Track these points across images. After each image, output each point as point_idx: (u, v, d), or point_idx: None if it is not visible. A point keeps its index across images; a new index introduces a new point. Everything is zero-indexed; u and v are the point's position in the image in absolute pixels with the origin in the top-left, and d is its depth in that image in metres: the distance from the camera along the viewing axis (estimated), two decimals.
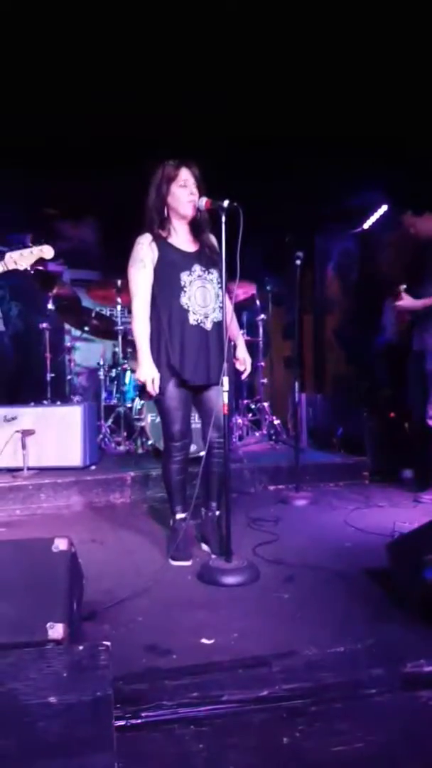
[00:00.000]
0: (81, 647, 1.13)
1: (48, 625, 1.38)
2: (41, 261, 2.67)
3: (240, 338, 2.71)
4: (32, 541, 1.58)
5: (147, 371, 2.40)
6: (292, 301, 3.61)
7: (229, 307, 2.57)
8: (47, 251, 2.62)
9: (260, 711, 1.41)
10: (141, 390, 2.53)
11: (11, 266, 2.64)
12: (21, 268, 2.66)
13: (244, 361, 2.64)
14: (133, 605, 1.99)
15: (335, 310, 5.60)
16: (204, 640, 1.71)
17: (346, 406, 4.57)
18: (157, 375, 2.40)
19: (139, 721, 1.36)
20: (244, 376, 2.69)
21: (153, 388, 2.40)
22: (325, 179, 4.57)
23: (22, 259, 2.64)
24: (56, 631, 1.38)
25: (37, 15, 3.23)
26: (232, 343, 2.69)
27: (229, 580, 2.15)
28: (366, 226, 5.31)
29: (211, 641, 1.71)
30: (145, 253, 2.44)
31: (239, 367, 2.65)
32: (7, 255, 2.64)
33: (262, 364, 4.97)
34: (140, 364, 2.43)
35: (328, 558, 2.42)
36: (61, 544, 1.50)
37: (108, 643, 1.12)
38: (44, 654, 1.12)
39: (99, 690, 1.06)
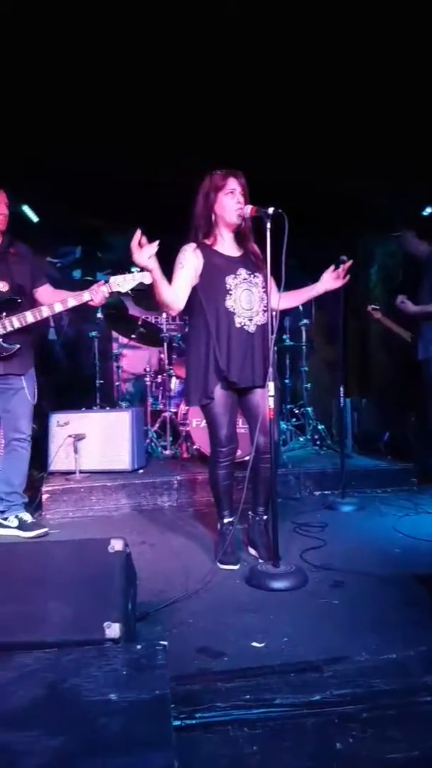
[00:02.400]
0: (139, 646, 1.17)
1: (105, 624, 1.43)
2: (141, 285, 2.81)
3: (296, 293, 2.68)
4: (89, 542, 1.63)
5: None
6: (336, 305, 3.59)
7: (284, 294, 2.56)
8: (147, 277, 2.72)
9: (312, 715, 1.41)
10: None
11: (115, 288, 2.80)
12: (123, 290, 2.83)
13: (325, 280, 2.60)
14: (184, 607, 2.03)
15: (379, 313, 5.52)
16: (255, 644, 1.74)
17: (392, 411, 4.50)
18: (141, 258, 2.22)
19: (193, 721, 1.39)
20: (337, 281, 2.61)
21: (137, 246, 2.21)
22: (369, 180, 4.52)
23: (124, 282, 2.79)
24: (113, 630, 1.43)
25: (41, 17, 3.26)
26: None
27: (278, 584, 2.16)
28: None
29: (262, 645, 1.73)
30: (187, 258, 2.49)
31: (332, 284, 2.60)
32: (111, 279, 2.81)
33: (306, 368, 4.96)
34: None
35: (377, 564, 2.40)
36: (116, 545, 1.55)
37: (165, 643, 1.16)
38: (104, 652, 1.17)
39: (158, 688, 1.10)
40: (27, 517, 3.01)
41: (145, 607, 1.94)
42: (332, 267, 2.63)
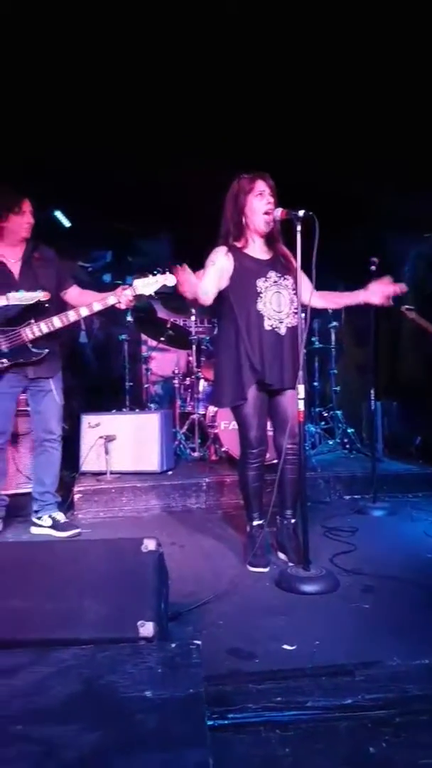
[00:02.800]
0: (173, 645, 1.19)
1: (139, 623, 1.45)
2: (163, 287, 2.88)
3: (340, 295, 2.66)
4: (123, 541, 1.66)
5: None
6: (366, 308, 3.56)
7: (326, 293, 2.58)
8: (170, 279, 2.81)
9: (344, 719, 1.41)
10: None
11: (139, 291, 2.86)
12: (146, 293, 2.88)
13: (374, 291, 2.50)
14: (214, 608, 2.04)
15: (414, 313, 5.44)
16: (286, 646, 1.74)
17: (424, 414, 4.43)
18: (186, 276, 2.35)
19: (225, 722, 1.40)
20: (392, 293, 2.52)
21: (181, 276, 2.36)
22: (399, 180, 4.48)
23: (148, 285, 2.86)
24: (147, 629, 1.45)
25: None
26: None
27: (308, 588, 2.15)
28: None
29: (293, 647, 1.73)
30: (218, 258, 2.52)
31: (378, 300, 2.49)
32: (135, 281, 2.88)
33: (335, 371, 4.92)
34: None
35: (409, 569, 2.38)
36: (150, 545, 1.57)
37: (199, 642, 1.17)
38: (139, 650, 1.19)
39: (192, 687, 1.11)
40: (60, 517, 3.06)
41: (175, 608, 1.96)
42: (386, 280, 2.51)
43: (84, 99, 3.96)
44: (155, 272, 2.88)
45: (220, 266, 2.51)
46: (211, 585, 2.25)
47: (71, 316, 2.87)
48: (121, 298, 2.85)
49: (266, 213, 2.48)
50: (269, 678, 1.56)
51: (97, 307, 2.88)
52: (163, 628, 1.59)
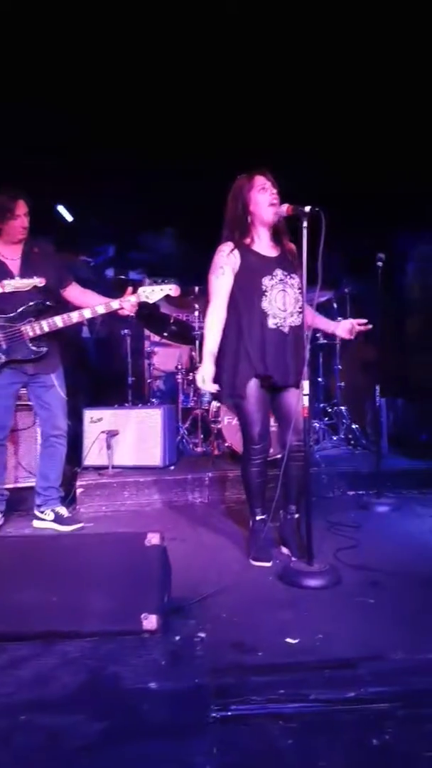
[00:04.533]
0: (178, 637, 1.18)
1: (142, 616, 1.46)
2: (167, 297, 2.96)
3: (320, 318, 2.74)
4: (127, 535, 1.66)
5: (203, 369, 2.50)
6: (372, 304, 3.55)
7: (308, 309, 2.58)
8: (174, 290, 2.88)
9: (348, 712, 1.41)
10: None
11: (143, 299, 2.89)
12: (150, 301, 2.92)
13: (344, 326, 2.63)
14: (217, 602, 2.03)
15: (415, 312, 5.42)
16: (289, 640, 1.73)
17: (430, 411, 4.42)
18: (209, 374, 2.48)
19: (228, 713, 1.40)
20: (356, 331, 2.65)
21: (206, 386, 2.50)
22: (405, 177, 4.46)
23: (152, 294, 2.89)
24: (150, 622, 1.45)
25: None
26: (310, 331, 2.70)
27: (312, 582, 2.15)
28: None
29: (296, 641, 1.73)
30: (225, 261, 2.50)
31: (344, 334, 2.64)
32: (140, 289, 2.91)
33: (339, 367, 4.91)
34: (201, 363, 2.54)
35: (413, 564, 2.37)
36: (153, 539, 1.57)
37: (203, 635, 1.17)
38: (144, 642, 1.19)
39: (197, 678, 1.11)
40: (63, 511, 3.06)
41: (178, 601, 1.95)
42: (355, 321, 2.63)
43: (88, 93, 3.96)
44: (160, 281, 2.92)
45: (228, 275, 2.50)
46: (214, 579, 2.25)
47: (74, 317, 2.87)
48: (125, 304, 2.87)
49: (272, 205, 2.47)
50: (272, 671, 1.56)
51: (101, 310, 2.89)
52: (165, 622, 1.59)
